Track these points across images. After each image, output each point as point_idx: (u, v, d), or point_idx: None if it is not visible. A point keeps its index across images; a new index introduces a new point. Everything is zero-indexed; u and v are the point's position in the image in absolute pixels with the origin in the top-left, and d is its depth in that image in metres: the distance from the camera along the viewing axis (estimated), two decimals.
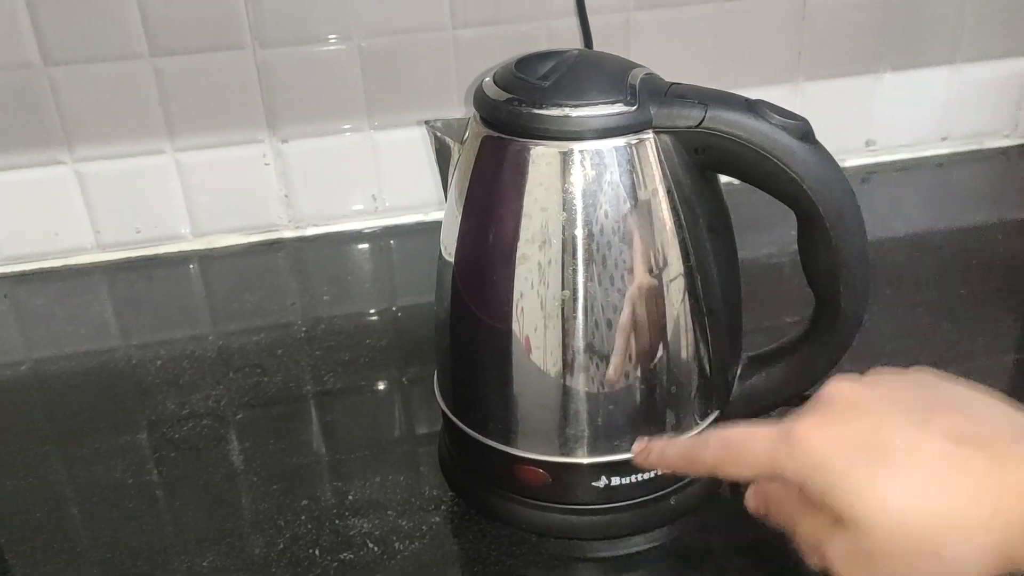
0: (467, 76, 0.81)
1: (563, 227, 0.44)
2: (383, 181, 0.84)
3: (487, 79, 0.47)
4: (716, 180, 0.48)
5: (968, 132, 0.93)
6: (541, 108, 0.44)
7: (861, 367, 0.61)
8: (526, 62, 0.47)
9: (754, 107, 0.44)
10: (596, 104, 0.44)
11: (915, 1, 0.86)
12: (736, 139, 0.43)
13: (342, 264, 0.82)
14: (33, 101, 0.74)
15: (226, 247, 0.82)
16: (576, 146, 0.44)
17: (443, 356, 0.52)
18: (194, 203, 0.81)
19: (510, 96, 0.45)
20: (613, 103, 0.44)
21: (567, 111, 0.43)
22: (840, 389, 0.37)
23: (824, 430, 0.36)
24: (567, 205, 0.44)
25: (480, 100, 0.46)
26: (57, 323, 0.73)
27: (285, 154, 0.81)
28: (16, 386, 0.66)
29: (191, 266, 0.81)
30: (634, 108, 0.44)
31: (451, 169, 0.50)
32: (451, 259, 0.49)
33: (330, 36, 0.77)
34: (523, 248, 0.45)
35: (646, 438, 0.44)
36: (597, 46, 0.79)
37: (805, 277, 0.47)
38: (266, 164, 0.81)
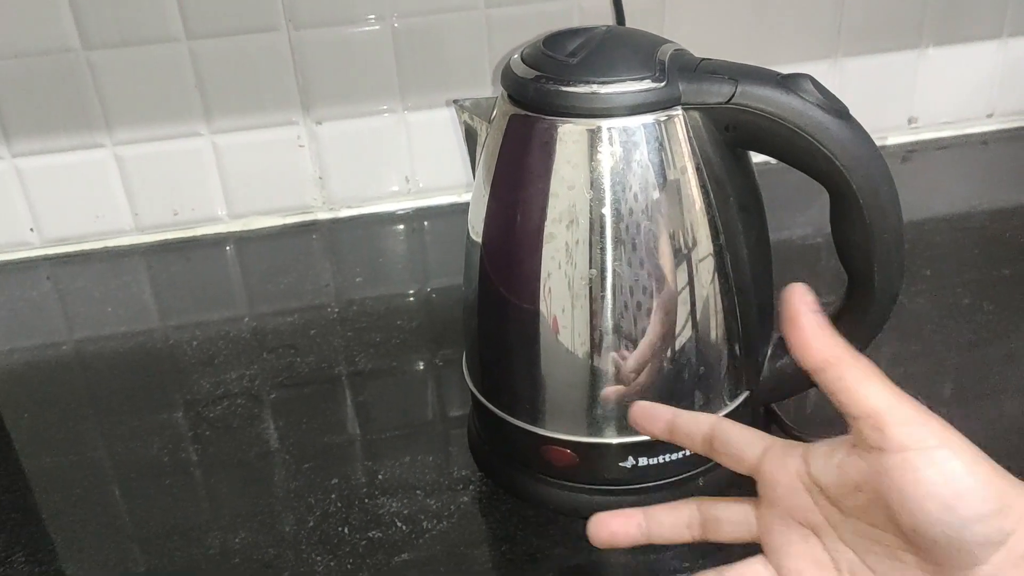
0: (499, 55, 0.80)
1: (591, 206, 0.44)
2: (416, 162, 0.84)
3: (515, 57, 0.47)
4: (747, 157, 0.47)
5: (1015, 108, 0.91)
6: (569, 85, 0.43)
7: (901, 348, 0.60)
8: (554, 39, 0.46)
9: (786, 82, 0.43)
10: (624, 80, 0.43)
11: None
12: (767, 115, 0.43)
13: (375, 245, 0.82)
14: (73, 85, 0.75)
15: (261, 229, 0.83)
16: (604, 123, 0.43)
17: (471, 337, 0.52)
18: (230, 185, 0.82)
19: (538, 74, 0.44)
20: (641, 79, 0.43)
21: (595, 88, 0.43)
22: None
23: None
24: (595, 184, 0.44)
25: (507, 78, 0.46)
26: (97, 304, 0.74)
27: (319, 136, 0.81)
28: (58, 365, 0.67)
29: (227, 248, 0.82)
30: (663, 84, 0.43)
31: (479, 148, 0.49)
32: (479, 239, 0.49)
33: (364, 17, 0.77)
34: (550, 227, 0.45)
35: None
36: (631, 23, 0.78)
37: (838, 255, 0.46)
38: (300, 146, 0.81)
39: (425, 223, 0.84)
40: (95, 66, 0.75)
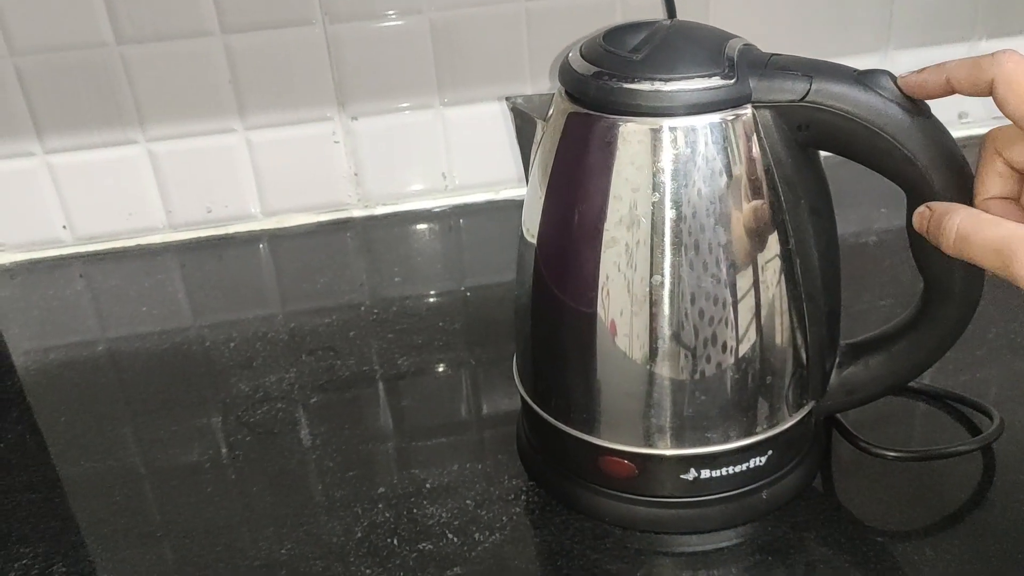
0: (539, 49, 0.78)
1: (653, 208, 0.42)
2: (453, 158, 0.82)
3: (572, 53, 0.45)
4: (818, 158, 0.45)
5: None
6: (632, 83, 0.41)
7: (964, 354, 0.58)
8: (615, 34, 0.44)
9: (864, 79, 0.41)
10: (691, 78, 0.41)
11: None
12: (844, 114, 0.41)
13: (411, 244, 0.80)
14: (106, 80, 0.74)
15: (295, 226, 0.81)
16: (668, 123, 0.41)
17: (524, 341, 0.50)
18: (264, 182, 0.80)
19: (598, 70, 0.42)
20: (710, 76, 0.41)
21: (658, 85, 0.41)
22: None
23: None
24: (658, 185, 0.42)
25: (566, 74, 0.44)
26: (131, 303, 0.73)
27: (355, 132, 0.79)
28: (93, 366, 0.66)
29: (261, 245, 0.80)
30: (732, 81, 0.41)
31: (534, 147, 0.47)
32: (533, 241, 0.47)
33: (401, 10, 0.75)
34: (611, 230, 0.43)
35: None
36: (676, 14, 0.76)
37: (914, 259, 0.44)
38: (335, 142, 0.79)
39: (461, 220, 0.82)
40: (128, 61, 0.73)
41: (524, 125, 0.49)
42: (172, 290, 0.75)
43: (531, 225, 0.47)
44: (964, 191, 0.41)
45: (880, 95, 0.40)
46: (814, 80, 0.41)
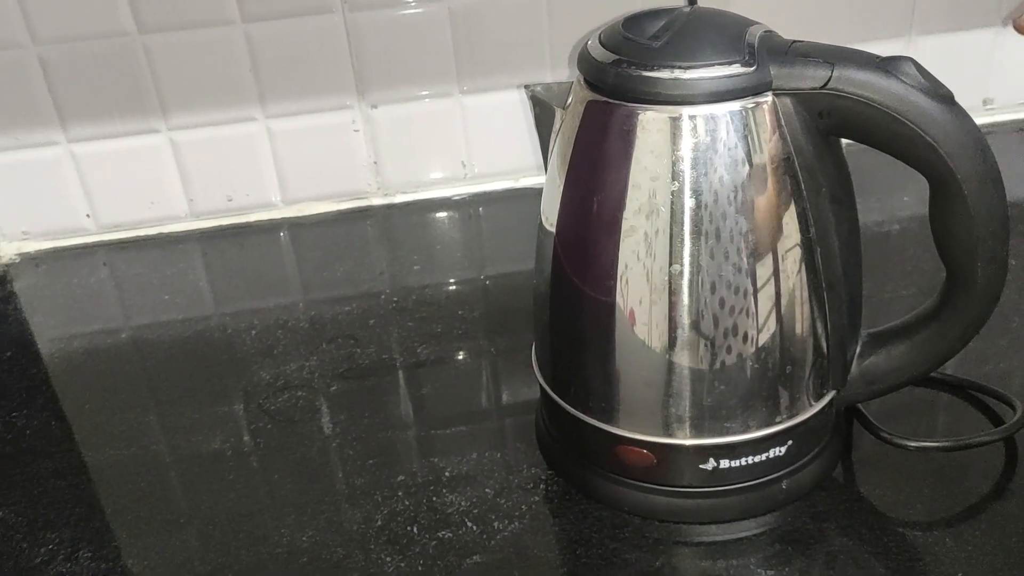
0: (559, 37, 0.78)
1: (672, 197, 0.42)
2: (472, 147, 0.82)
3: (592, 40, 0.45)
4: (839, 145, 0.44)
5: None
6: (651, 70, 0.41)
7: (987, 343, 0.58)
8: (634, 21, 0.44)
9: (887, 65, 0.40)
10: (711, 65, 0.41)
11: None
12: (867, 101, 0.40)
13: (431, 232, 0.80)
14: (129, 69, 0.74)
15: (316, 215, 0.82)
16: (688, 111, 0.41)
17: (542, 330, 0.50)
18: (284, 170, 0.80)
19: (617, 58, 0.42)
20: (730, 64, 0.41)
21: (678, 73, 0.41)
22: None
23: None
24: (677, 174, 0.42)
25: (585, 62, 0.44)
26: (153, 291, 0.73)
27: (374, 120, 0.79)
28: (117, 355, 0.67)
29: (281, 233, 0.81)
30: (753, 68, 0.41)
31: (553, 135, 0.47)
32: (552, 229, 0.47)
33: None
34: (630, 218, 0.43)
35: None
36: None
37: (937, 248, 0.43)
38: (355, 130, 0.80)
39: (481, 209, 0.82)
40: (150, 50, 0.74)
41: (543, 114, 0.48)
42: (194, 278, 0.76)
43: (550, 214, 0.47)
44: (988, 179, 0.40)
45: (903, 82, 0.40)
46: (836, 67, 0.40)
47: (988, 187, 0.40)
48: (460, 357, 0.63)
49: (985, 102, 0.86)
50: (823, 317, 0.45)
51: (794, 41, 0.43)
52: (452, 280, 0.72)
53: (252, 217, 0.82)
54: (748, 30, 0.43)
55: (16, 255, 0.79)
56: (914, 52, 0.82)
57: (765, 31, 0.43)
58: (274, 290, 0.73)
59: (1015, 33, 0.83)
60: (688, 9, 0.45)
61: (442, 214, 0.82)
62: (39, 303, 0.73)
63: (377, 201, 0.83)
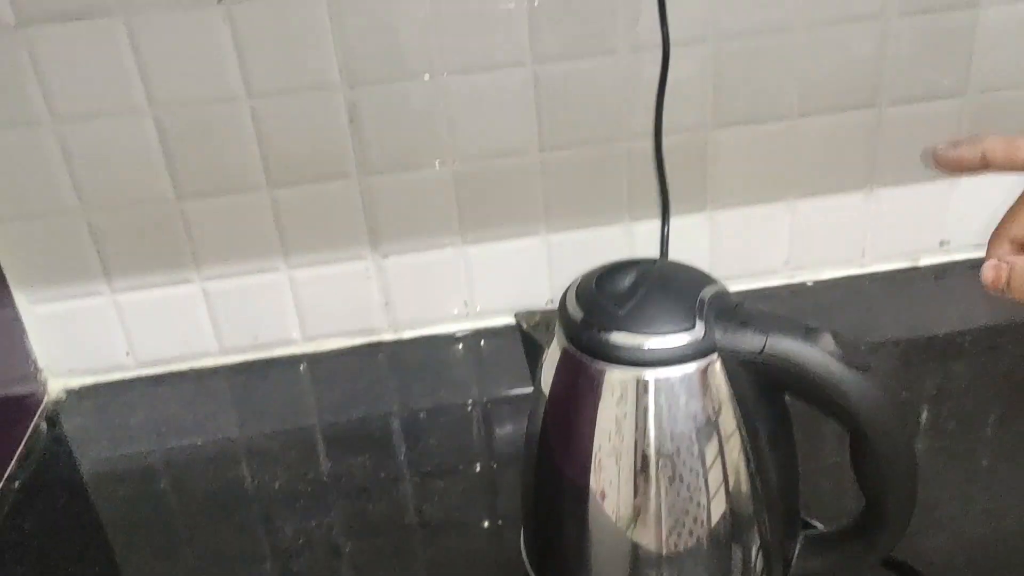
0: (553, 195, 0.86)
1: (636, 443, 0.50)
2: (475, 288, 0.90)
3: (570, 291, 0.53)
4: (781, 392, 0.53)
5: None
6: (615, 333, 0.50)
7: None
8: (606, 279, 0.52)
9: (811, 336, 0.49)
10: (666, 334, 0.49)
11: (996, 108, 0.87)
12: (793, 366, 0.48)
13: (437, 364, 0.89)
14: (168, 230, 0.83)
15: (332, 350, 0.90)
16: (648, 372, 0.49)
17: (529, 528, 0.58)
18: (304, 311, 0.89)
19: (588, 318, 0.51)
20: (683, 331, 0.49)
21: (639, 340, 0.49)
22: None
23: None
24: (639, 420, 0.50)
25: (563, 316, 0.52)
26: (186, 425, 0.82)
27: (386, 268, 0.88)
28: (154, 497, 0.75)
29: (301, 367, 0.89)
30: (701, 337, 0.49)
31: (541, 362, 0.55)
32: (534, 445, 0.55)
33: (429, 162, 0.83)
34: (600, 458, 0.51)
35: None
36: (675, 160, 0.84)
37: (856, 481, 0.51)
38: (368, 277, 0.88)
39: (482, 342, 0.91)
40: (187, 213, 0.83)
41: (531, 339, 0.57)
42: (223, 413, 0.84)
43: (533, 430, 0.55)
44: (898, 440, 0.48)
45: (825, 351, 0.48)
46: (769, 336, 0.49)
47: (898, 442, 0.49)
48: (461, 519, 0.70)
49: (942, 243, 0.94)
50: (763, 528, 0.53)
51: (738, 304, 0.51)
52: (454, 424, 0.81)
53: (275, 352, 0.90)
54: (702, 291, 0.51)
55: (63, 391, 0.88)
56: (876, 200, 0.91)
57: (716, 292, 0.52)
58: (294, 426, 0.82)
59: (969, 183, 0.91)
60: (654, 267, 0.53)
61: (447, 348, 0.91)
62: (86, 445, 0.82)
63: (388, 336, 0.91)
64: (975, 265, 0.95)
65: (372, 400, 0.83)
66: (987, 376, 0.80)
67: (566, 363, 0.52)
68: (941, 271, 0.94)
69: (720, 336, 0.49)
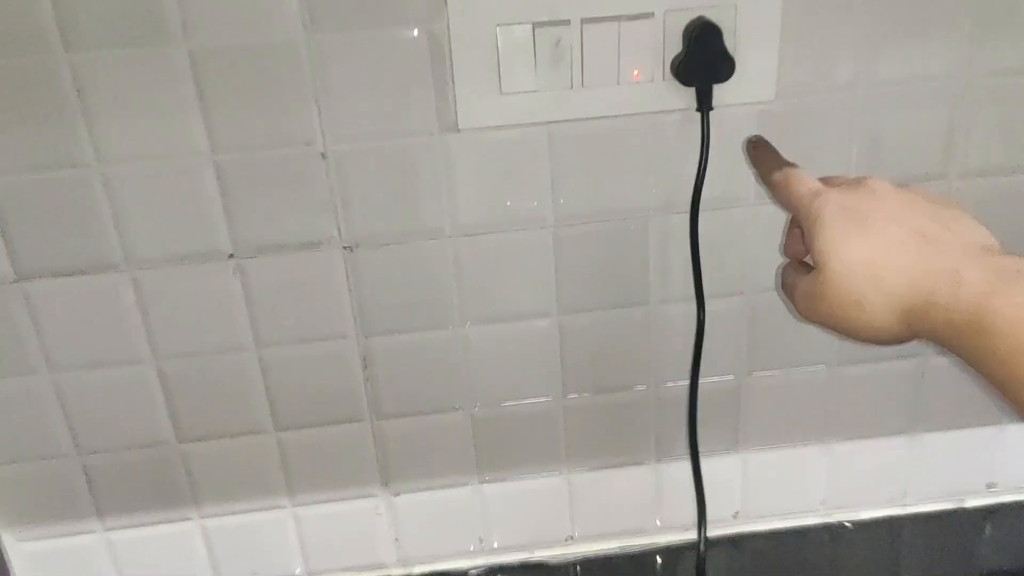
0: (575, 435, 0.81)
1: None
2: (491, 524, 0.85)
3: None
4: None
5: None
6: None
7: None
8: None
9: None
10: None
11: None
12: None
13: None
14: (166, 470, 0.78)
15: None
16: None
17: None
18: (308, 546, 0.84)
19: None
20: None
21: None
22: (878, 182, 0.50)
23: (841, 198, 0.49)
24: None
25: None
26: None
27: (397, 505, 0.83)
28: None
29: None
30: None
31: None
32: None
33: (446, 407, 0.79)
34: None
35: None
36: (705, 401, 0.79)
37: None
38: (378, 514, 0.83)
39: None
40: (187, 455, 0.78)
41: None
42: None
43: None
44: None
45: None
46: None
47: None
48: None
49: (989, 486, 0.89)
50: None
51: None
52: None
53: None
54: None
55: None
56: (920, 445, 0.85)
57: None
58: None
59: (1017, 429, 0.86)
60: None
61: None
62: None
63: (397, 572, 0.86)
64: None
65: None
66: None
67: None
68: (988, 512, 0.89)
69: None
